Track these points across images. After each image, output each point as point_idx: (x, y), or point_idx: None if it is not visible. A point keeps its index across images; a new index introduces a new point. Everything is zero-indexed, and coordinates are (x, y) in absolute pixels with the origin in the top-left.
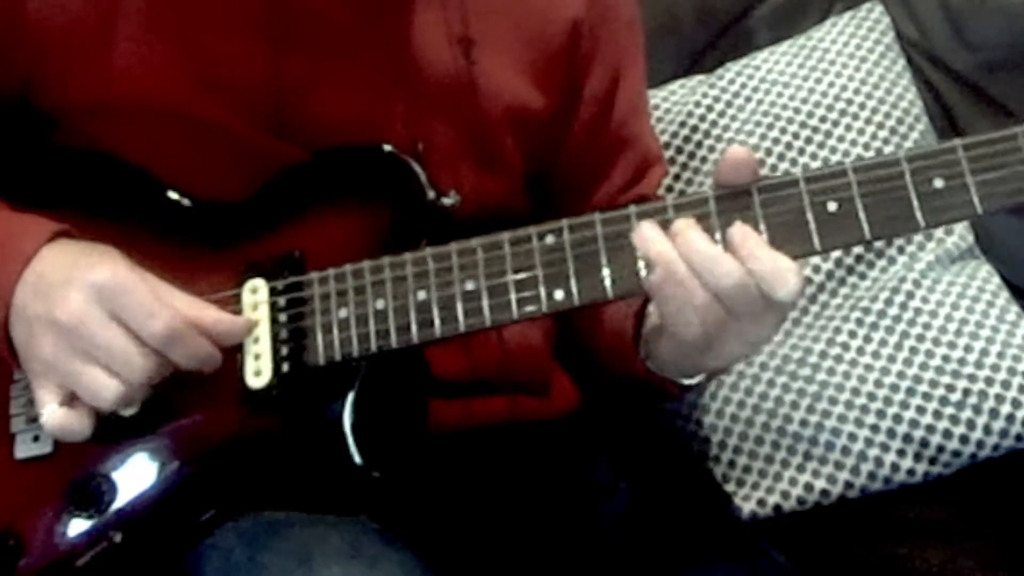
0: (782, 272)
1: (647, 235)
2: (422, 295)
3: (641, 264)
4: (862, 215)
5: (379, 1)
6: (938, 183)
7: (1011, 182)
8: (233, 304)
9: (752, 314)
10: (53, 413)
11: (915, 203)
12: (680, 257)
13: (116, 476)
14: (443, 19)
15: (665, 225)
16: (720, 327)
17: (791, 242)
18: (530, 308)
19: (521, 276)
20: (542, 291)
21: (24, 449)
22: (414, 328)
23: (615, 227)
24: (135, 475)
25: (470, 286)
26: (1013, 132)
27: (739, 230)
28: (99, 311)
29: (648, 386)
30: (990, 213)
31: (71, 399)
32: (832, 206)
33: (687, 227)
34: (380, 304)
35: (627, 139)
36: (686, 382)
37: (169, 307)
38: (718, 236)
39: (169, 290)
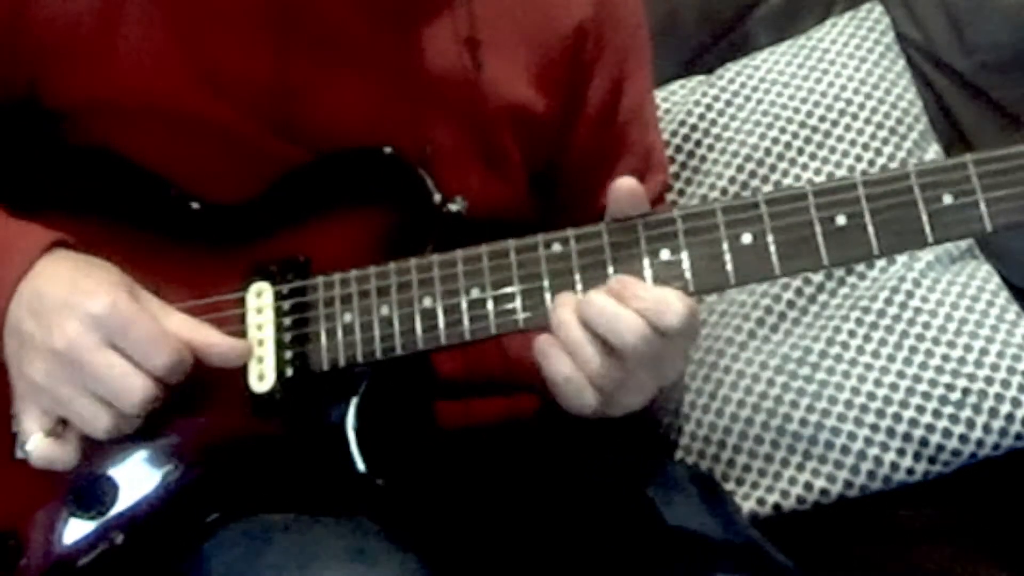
0: (667, 301)
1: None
2: (427, 302)
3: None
4: (871, 230)
5: (385, 3)
6: (948, 199)
7: (1021, 200)
8: (237, 307)
9: (652, 359)
10: (38, 444)
11: (924, 220)
12: (579, 323)
13: (118, 477)
14: (450, 21)
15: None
16: (618, 385)
17: (798, 256)
18: (536, 316)
19: (527, 285)
20: (548, 300)
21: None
22: (419, 335)
23: (622, 237)
24: (137, 477)
25: (475, 294)
26: (1023, 149)
27: (616, 279)
28: (97, 340)
29: None
30: (999, 230)
31: (58, 425)
32: (841, 220)
33: (592, 292)
34: (385, 310)
35: (628, 145)
36: None
37: (171, 335)
38: (726, 246)
39: (166, 311)
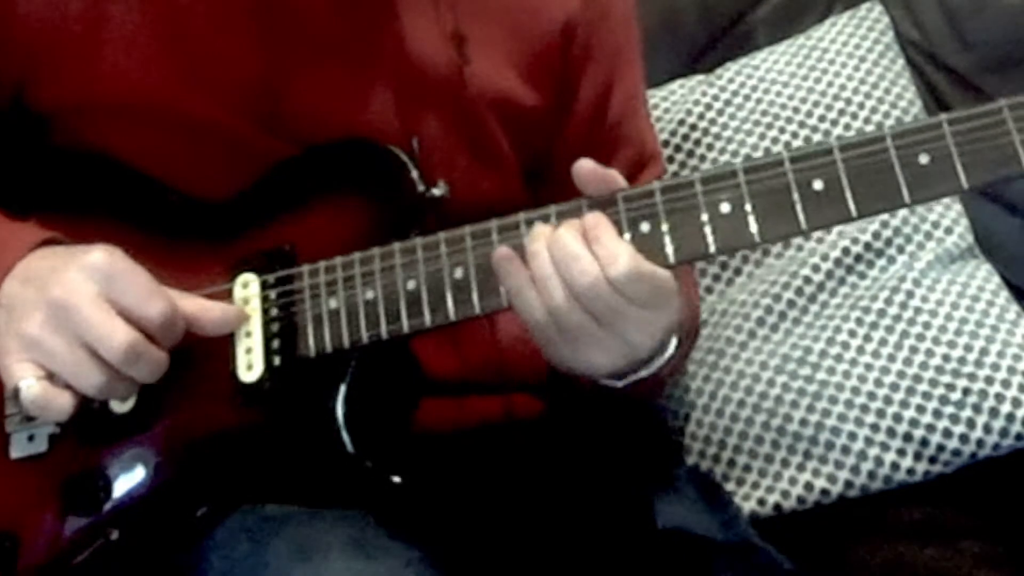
0: (616, 254)
1: (534, 232)
2: (411, 284)
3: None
4: (848, 193)
5: (367, 4)
6: (923, 159)
7: (996, 156)
8: (225, 299)
9: (609, 313)
10: (32, 385)
11: (901, 179)
12: (548, 255)
13: (111, 473)
14: (435, 16)
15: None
16: (582, 332)
17: (778, 222)
18: None
19: None
20: None
21: (19, 449)
22: (404, 318)
23: (602, 212)
24: (130, 472)
25: (459, 274)
26: (998, 106)
27: (592, 216)
28: (94, 290)
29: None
30: (975, 188)
31: (50, 378)
32: (818, 184)
33: (564, 227)
34: (370, 295)
35: (622, 139)
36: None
37: (166, 292)
38: (705, 216)
39: (159, 283)
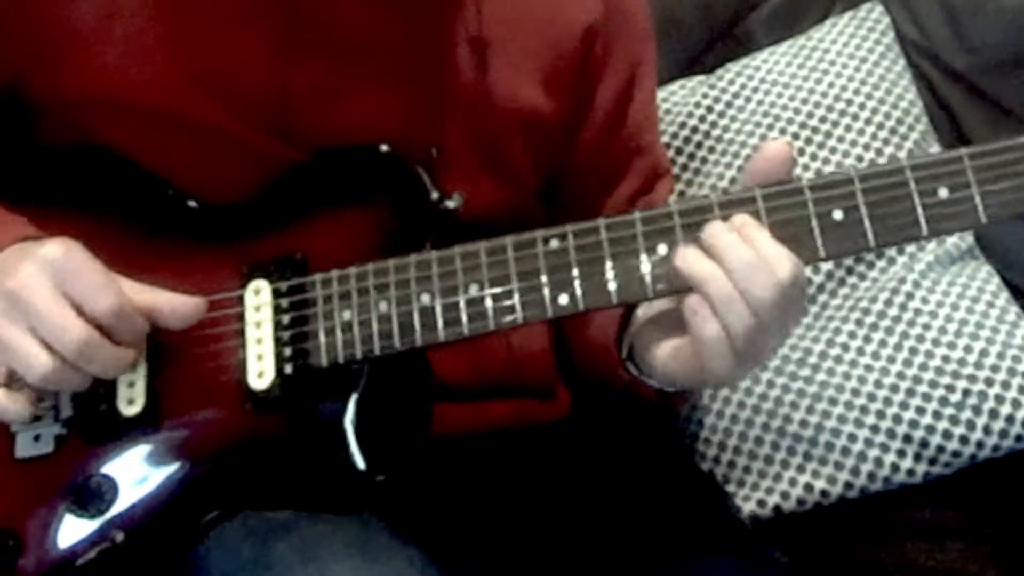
0: (778, 256)
1: (691, 257)
2: (425, 298)
3: (650, 281)
4: (867, 223)
5: (396, 6)
6: (943, 192)
7: (1016, 192)
8: (236, 305)
9: (776, 317)
10: None
11: (920, 212)
12: (726, 274)
13: (117, 476)
14: (460, 24)
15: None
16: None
17: (796, 249)
18: (534, 312)
19: (525, 281)
20: (546, 295)
21: (25, 448)
22: (417, 331)
23: (619, 232)
24: (136, 475)
25: (474, 290)
26: (1020, 142)
27: (740, 217)
28: (47, 281)
29: (626, 391)
30: (994, 223)
31: (10, 379)
32: (837, 214)
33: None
34: (383, 307)
35: (638, 149)
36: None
37: (117, 285)
38: None
39: (117, 276)
